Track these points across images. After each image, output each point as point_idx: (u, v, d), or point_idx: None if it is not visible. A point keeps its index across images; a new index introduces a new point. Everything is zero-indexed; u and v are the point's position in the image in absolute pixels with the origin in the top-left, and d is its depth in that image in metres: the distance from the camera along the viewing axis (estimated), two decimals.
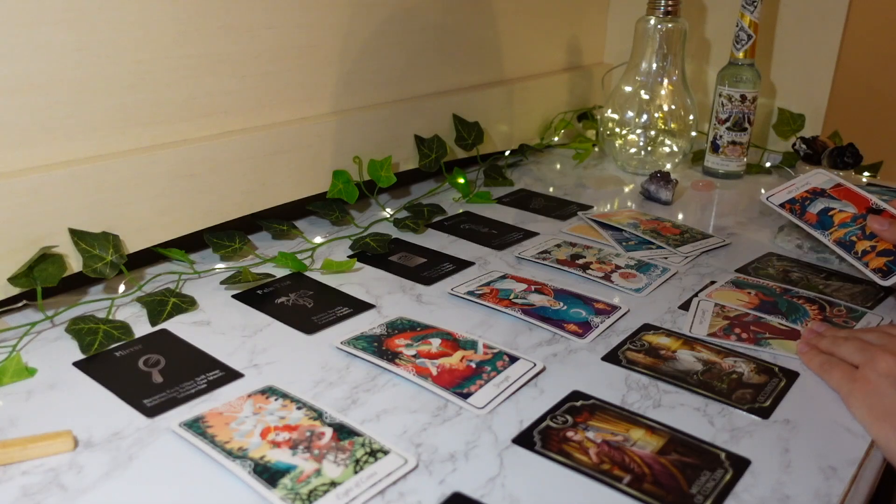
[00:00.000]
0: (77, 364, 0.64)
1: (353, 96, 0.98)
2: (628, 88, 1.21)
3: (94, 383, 0.61)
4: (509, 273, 0.83)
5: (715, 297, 0.75)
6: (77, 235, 0.71)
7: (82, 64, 0.70)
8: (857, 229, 0.77)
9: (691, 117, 1.20)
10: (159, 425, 0.56)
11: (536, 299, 0.76)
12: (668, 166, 1.22)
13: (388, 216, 1.00)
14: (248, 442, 0.53)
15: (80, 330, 0.67)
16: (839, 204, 0.81)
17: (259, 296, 0.77)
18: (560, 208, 1.06)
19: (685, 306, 0.76)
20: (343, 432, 0.54)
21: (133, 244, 0.76)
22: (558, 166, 1.26)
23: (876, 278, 0.73)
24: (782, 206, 0.82)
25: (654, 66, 1.19)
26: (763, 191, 0.84)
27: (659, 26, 1.17)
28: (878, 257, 0.74)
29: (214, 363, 0.64)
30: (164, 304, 0.72)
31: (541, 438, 0.55)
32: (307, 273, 0.82)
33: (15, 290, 0.68)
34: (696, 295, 0.79)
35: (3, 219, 0.66)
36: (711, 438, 0.56)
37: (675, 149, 1.21)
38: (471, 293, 0.77)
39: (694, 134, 1.22)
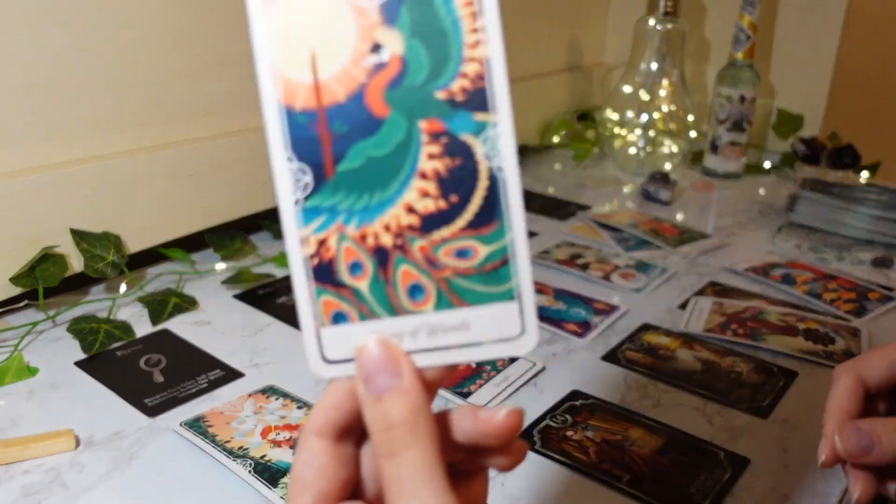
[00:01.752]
0: (78, 364, 0.64)
1: None
2: (628, 89, 1.22)
3: (96, 383, 0.61)
4: None
5: None
6: (78, 236, 0.71)
7: (83, 64, 0.70)
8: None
9: (691, 118, 1.20)
10: (160, 425, 0.56)
11: (536, 299, 0.76)
12: (668, 167, 1.22)
13: None
14: (248, 441, 0.53)
15: (82, 330, 0.67)
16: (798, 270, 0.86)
17: (260, 296, 0.77)
18: (560, 208, 1.06)
19: (684, 306, 0.77)
20: None
21: (134, 244, 0.77)
22: (558, 166, 1.27)
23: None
24: None
25: (654, 66, 1.19)
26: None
27: (658, 27, 1.17)
28: (846, 303, 0.78)
29: (215, 363, 0.64)
30: (165, 304, 0.72)
31: (540, 438, 0.55)
32: None
33: (17, 290, 0.68)
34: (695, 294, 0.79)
35: (4, 219, 0.66)
36: (710, 438, 0.56)
37: (675, 149, 1.21)
38: None
39: (693, 134, 1.22)
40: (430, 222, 0.29)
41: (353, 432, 0.30)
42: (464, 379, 0.62)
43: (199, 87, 0.81)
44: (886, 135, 1.32)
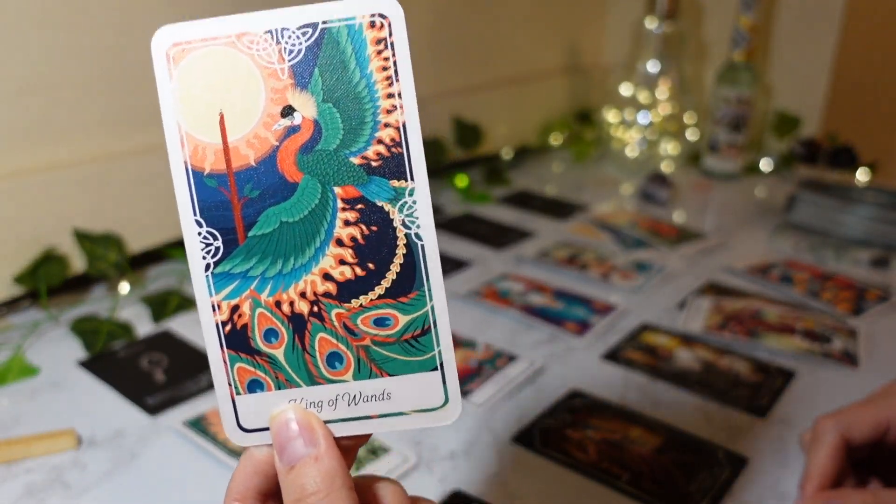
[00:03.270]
0: (80, 363, 0.64)
1: None
2: (627, 90, 1.22)
3: (98, 382, 0.61)
4: (509, 273, 0.83)
5: None
6: (81, 236, 0.71)
7: (85, 65, 0.71)
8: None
9: (689, 119, 1.20)
10: (162, 424, 0.56)
11: (536, 299, 0.76)
12: (667, 167, 1.23)
13: None
14: None
15: (84, 329, 0.67)
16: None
17: None
18: (560, 208, 1.06)
19: (683, 306, 0.77)
20: None
21: (136, 244, 0.77)
22: (558, 166, 1.27)
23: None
24: None
25: (653, 67, 1.20)
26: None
27: (658, 28, 1.18)
28: (844, 303, 0.78)
29: None
30: (166, 304, 0.73)
31: (540, 437, 0.56)
32: None
33: (19, 290, 0.68)
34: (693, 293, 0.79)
35: (8, 219, 0.66)
36: (709, 437, 0.56)
37: (673, 150, 1.22)
38: (471, 293, 0.77)
39: (692, 135, 1.22)
40: (348, 290, 0.28)
41: (277, 497, 0.29)
42: (464, 378, 0.62)
43: None
44: (884, 135, 1.33)
